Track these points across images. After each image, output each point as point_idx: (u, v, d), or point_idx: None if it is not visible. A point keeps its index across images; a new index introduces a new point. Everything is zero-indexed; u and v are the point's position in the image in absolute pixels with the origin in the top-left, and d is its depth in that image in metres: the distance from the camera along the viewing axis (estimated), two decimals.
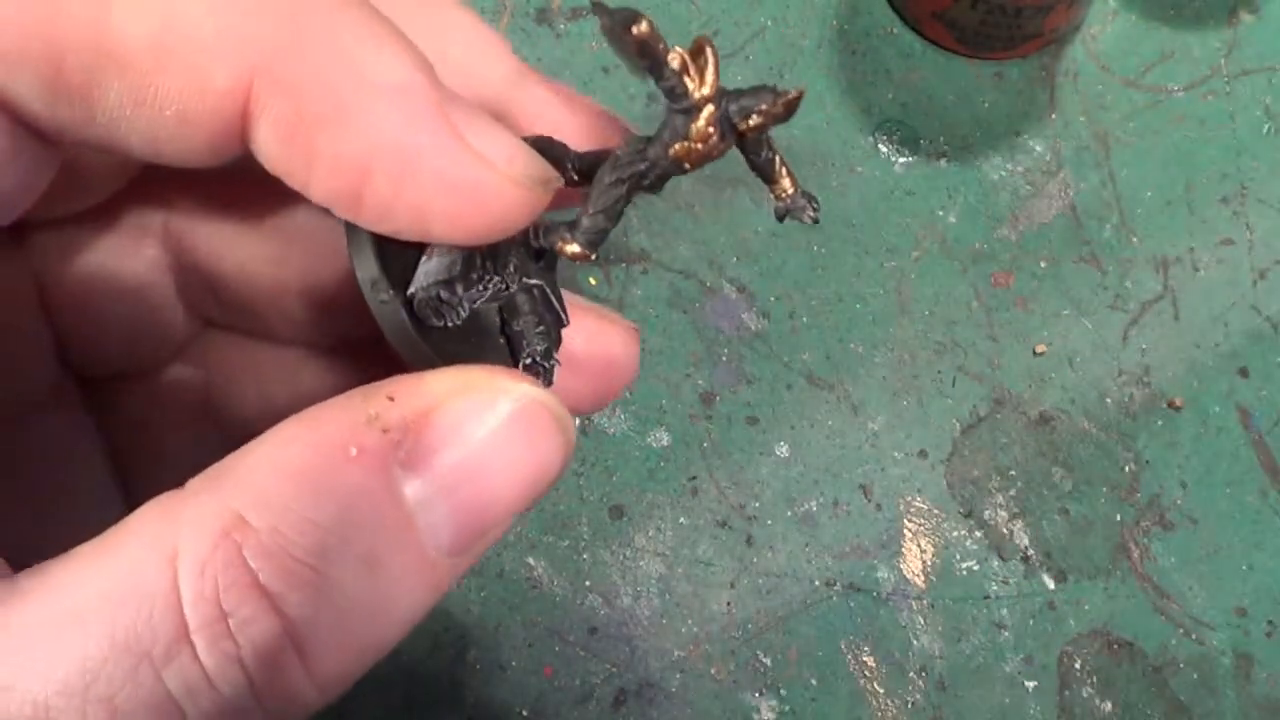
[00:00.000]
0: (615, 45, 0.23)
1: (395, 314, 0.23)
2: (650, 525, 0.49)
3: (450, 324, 0.24)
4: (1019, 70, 0.54)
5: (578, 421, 0.50)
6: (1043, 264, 0.52)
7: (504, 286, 0.25)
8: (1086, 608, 0.49)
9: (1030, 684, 0.48)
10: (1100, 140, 0.54)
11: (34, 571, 0.19)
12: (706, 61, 0.23)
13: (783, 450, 0.50)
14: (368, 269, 0.23)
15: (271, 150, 0.22)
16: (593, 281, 0.52)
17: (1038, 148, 0.53)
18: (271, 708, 0.20)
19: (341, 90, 0.21)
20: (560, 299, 0.26)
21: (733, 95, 0.23)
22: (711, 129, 0.23)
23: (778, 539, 0.49)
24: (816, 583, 0.49)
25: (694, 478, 0.50)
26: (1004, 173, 0.53)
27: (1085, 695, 0.48)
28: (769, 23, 0.54)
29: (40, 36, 0.20)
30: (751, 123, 0.23)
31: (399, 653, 0.48)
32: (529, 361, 0.25)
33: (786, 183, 0.25)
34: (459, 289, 0.24)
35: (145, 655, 0.19)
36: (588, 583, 0.49)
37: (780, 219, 0.26)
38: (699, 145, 0.23)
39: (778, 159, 0.25)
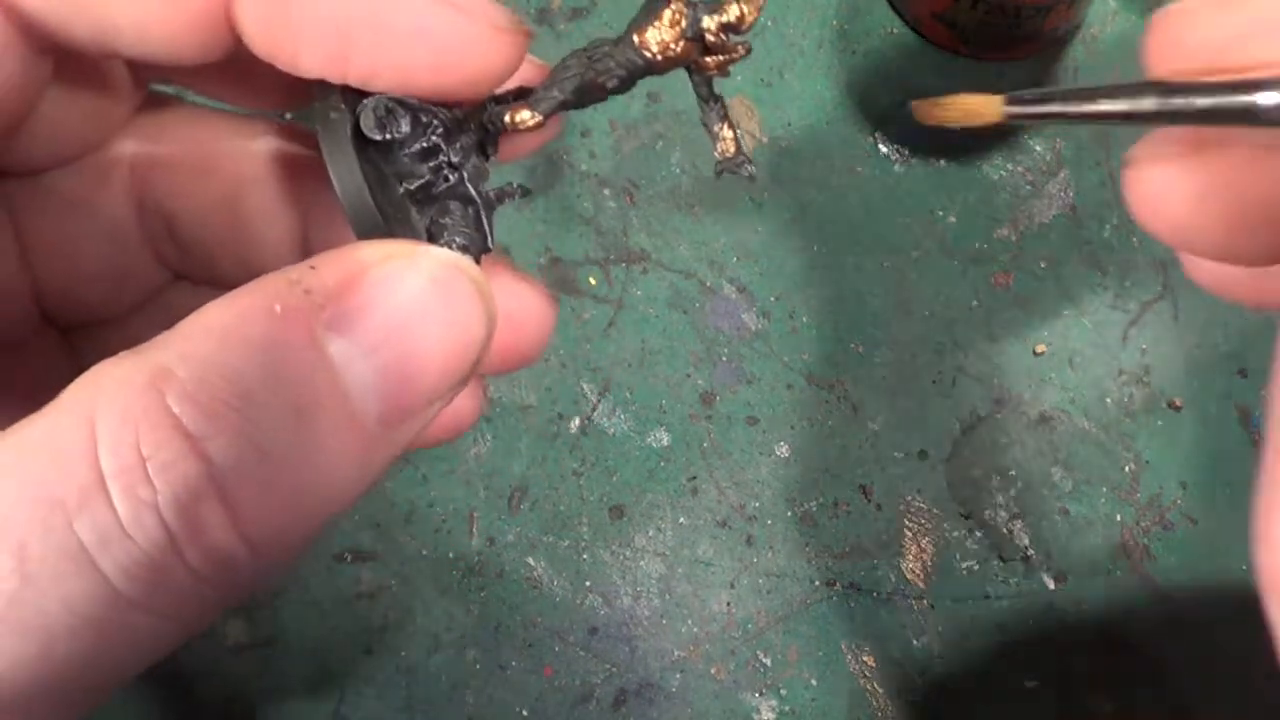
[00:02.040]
0: None
1: (340, 127, 0.23)
2: (650, 525, 0.49)
3: (393, 135, 0.24)
4: (1019, 70, 0.54)
5: (577, 421, 0.50)
6: (1043, 264, 0.52)
7: (446, 161, 0.26)
8: (1086, 608, 0.49)
9: (1030, 684, 0.48)
10: (1100, 140, 0.54)
11: None
12: None
13: (783, 450, 0.50)
14: (325, 96, 0.24)
15: (256, 25, 0.23)
16: (592, 281, 0.52)
17: (1038, 148, 0.53)
18: (196, 564, 0.20)
19: None
20: (491, 226, 0.27)
21: (700, 1, 0.24)
22: (680, 19, 0.24)
23: (778, 539, 0.49)
24: (816, 583, 0.49)
25: (694, 478, 0.50)
26: (1004, 173, 0.53)
27: (1085, 695, 0.48)
28: (769, 23, 0.54)
29: None
30: (718, 21, 0.24)
31: (399, 652, 0.48)
32: (445, 245, 0.25)
33: (729, 137, 0.27)
34: (407, 114, 0.24)
35: (58, 503, 0.19)
36: (588, 583, 0.49)
37: (718, 175, 0.27)
38: (664, 33, 0.24)
39: (728, 118, 0.27)
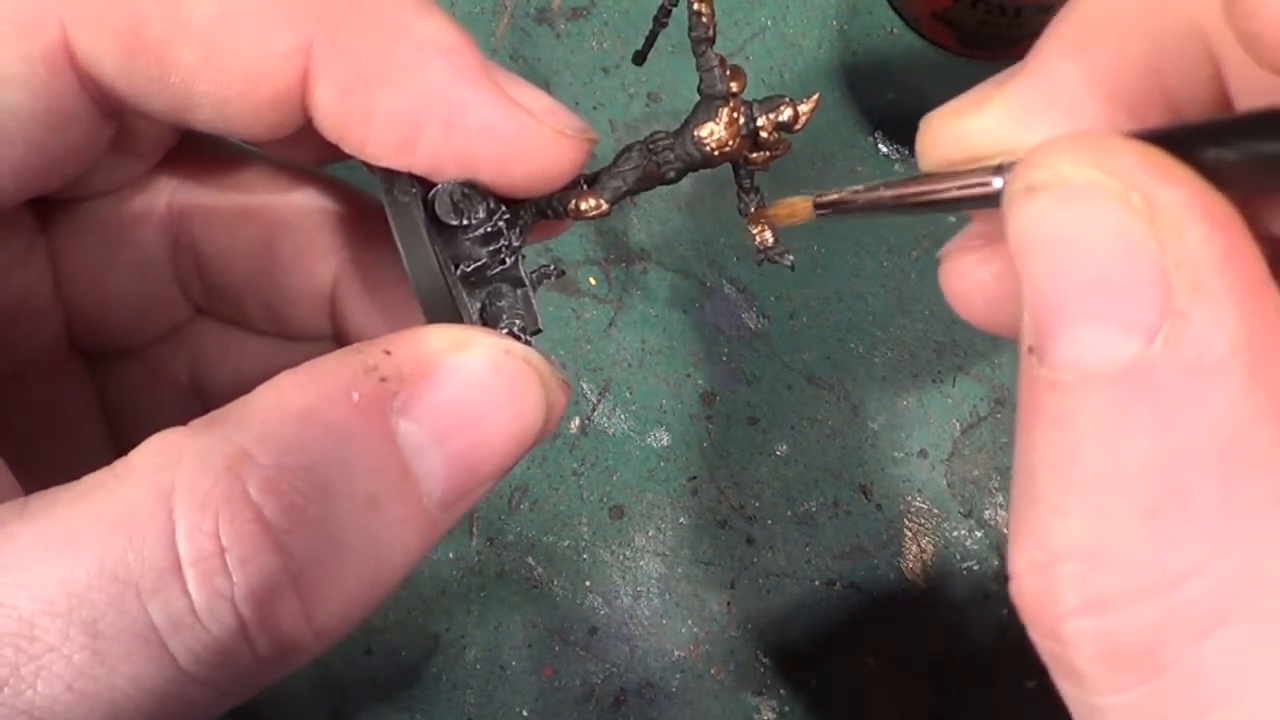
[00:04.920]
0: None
1: (414, 210, 0.24)
2: (650, 525, 0.49)
3: (469, 220, 0.25)
4: None
5: (577, 421, 0.50)
6: None
7: (506, 245, 0.26)
8: None
9: (1030, 684, 0.48)
10: None
11: (43, 495, 0.20)
12: (740, 73, 0.26)
13: (783, 450, 0.50)
14: (392, 177, 0.25)
15: (330, 109, 0.23)
16: (592, 281, 0.52)
17: None
18: (263, 650, 0.20)
19: (395, 51, 0.23)
20: (538, 309, 0.27)
21: (755, 101, 0.26)
22: (737, 116, 0.26)
23: (778, 539, 0.49)
24: (816, 583, 0.49)
25: (694, 478, 0.50)
26: None
27: None
28: (769, 23, 0.54)
29: (121, 5, 0.22)
30: (771, 118, 0.26)
31: (399, 652, 0.48)
32: (506, 331, 0.26)
33: (768, 231, 0.29)
34: (481, 201, 0.25)
35: (132, 585, 0.19)
36: (588, 583, 0.49)
37: (759, 264, 0.29)
38: (720, 131, 0.26)
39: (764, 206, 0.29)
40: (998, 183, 0.21)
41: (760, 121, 0.26)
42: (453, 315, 0.24)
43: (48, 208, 0.29)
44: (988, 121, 0.22)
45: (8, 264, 0.28)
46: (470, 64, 0.23)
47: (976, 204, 0.22)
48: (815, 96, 0.26)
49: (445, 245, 0.25)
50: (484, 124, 0.23)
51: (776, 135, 0.26)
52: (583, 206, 0.26)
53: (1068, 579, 0.17)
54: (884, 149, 0.53)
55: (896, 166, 0.53)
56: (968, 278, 0.24)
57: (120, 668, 0.19)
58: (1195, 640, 0.16)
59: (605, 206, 0.27)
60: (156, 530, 0.19)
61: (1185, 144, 0.18)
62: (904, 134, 0.53)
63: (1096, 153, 0.18)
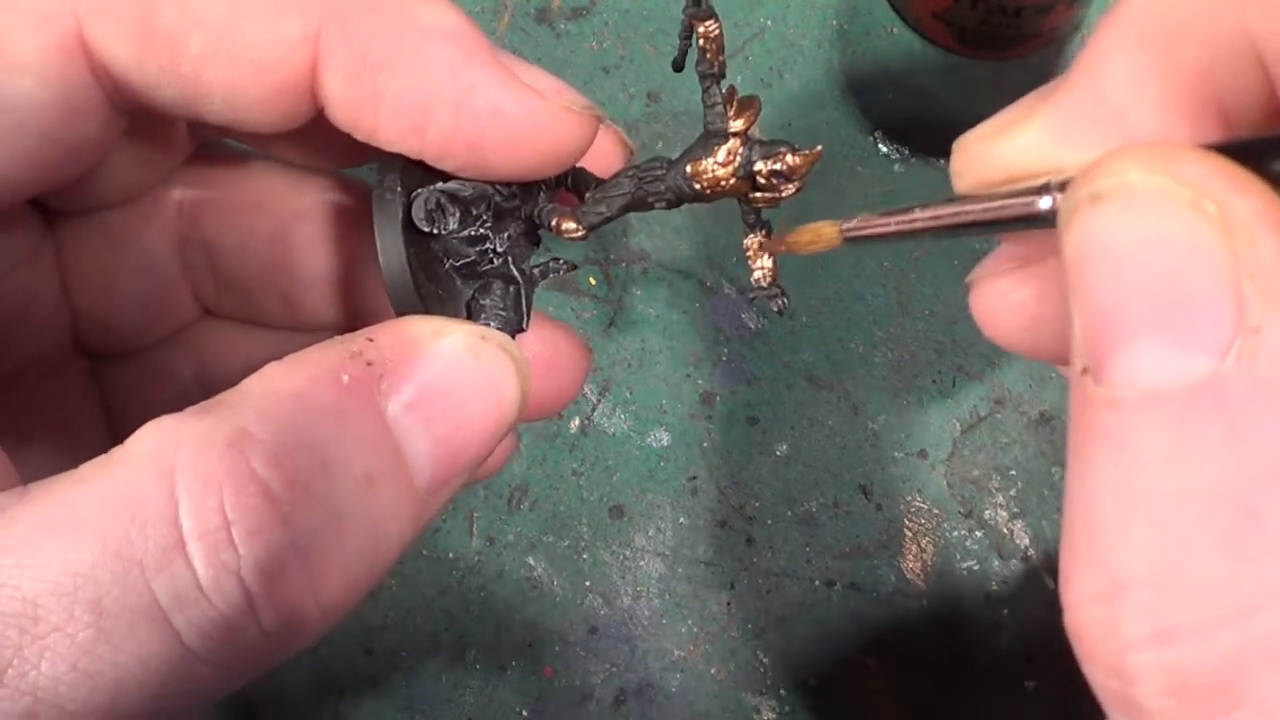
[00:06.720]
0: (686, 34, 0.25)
1: (393, 209, 0.24)
2: (650, 525, 0.49)
3: (439, 230, 0.25)
4: (1019, 69, 0.54)
5: (577, 421, 0.50)
6: None
7: (492, 249, 0.26)
8: None
9: (1030, 684, 0.48)
10: None
11: (42, 482, 0.20)
12: (750, 107, 0.25)
13: (783, 450, 0.50)
14: (384, 173, 0.25)
15: (340, 96, 0.24)
16: (592, 281, 0.52)
17: None
18: (269, 625, 0.20)
19: (402, 36, 0.23)
20: (530, 307, 0.28)
21: (757, 143, 0.25)
22: (734, 158, 0.25)
23: (778, 539, 0.49)
24: (816, 583, 0.49)
25: (694, 478, 0.50)
26: None
27: (1085, 695, 0.48)
28: (769, 23, 0.54)
29: None
30: (767, 167, 0.25)
31: (399, 652, 0.48)
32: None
33: (768, 267, 0.28)
34: (456, 210, 0.25)
35: (136, 562, 0.19)
36: (588, 583, 0.49)
37: (751, 300, 0.28)
38: (716, 170, 0.25)
39: (769, 248, 0.28)
40: (1044, 202, 0.20)
41: (758, 166, 0.25)
42: (420, 311, 0.25)
43: (55, 215, 0.29)
44: (1028, 140, 0.22)
45: (14, 263, 0.28)
46: (477, 47, 0.24)
47: (1017, 225, 0.21)
48: (817, 149, 0.25)
49: (435, 240, 0.26)
50: (492, 105, 0.24)
51: (774, 181, 0.26)
52: (563, 227, 0.27)
53: (1133, 608, 0.17)
54: (884, 149, 0.53)
55: (896, 167, 0.53)
56: (1004, 300, 0.24)
57: (124, 646, 0.19)
58: (1273, 670, 0.16)
59: (582, 233, 0.27)
60: (160, 509, 0.19)
61: (1251, 156, 0.17)
62: (904, 134, 0.53)
63: (1167, 161, 0.17)
